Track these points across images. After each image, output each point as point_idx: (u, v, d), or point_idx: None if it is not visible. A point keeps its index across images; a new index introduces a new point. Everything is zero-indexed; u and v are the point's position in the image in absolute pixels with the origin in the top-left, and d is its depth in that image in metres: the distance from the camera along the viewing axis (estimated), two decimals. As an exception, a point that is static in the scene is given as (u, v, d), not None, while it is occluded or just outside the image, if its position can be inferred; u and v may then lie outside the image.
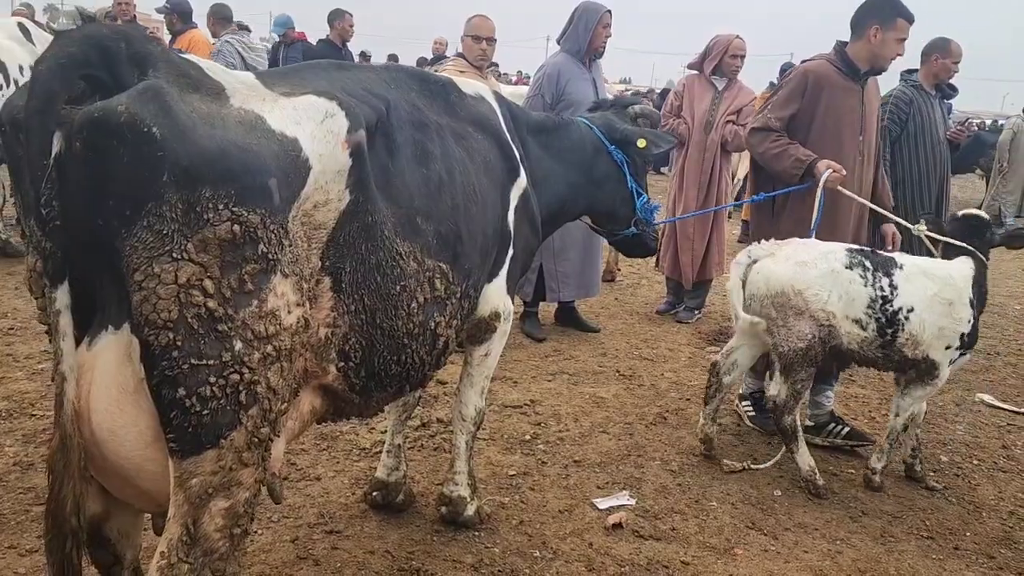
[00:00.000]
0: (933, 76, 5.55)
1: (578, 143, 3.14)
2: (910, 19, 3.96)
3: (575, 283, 5.60)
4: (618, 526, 3.15)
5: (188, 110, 1.51)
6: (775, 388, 3.56)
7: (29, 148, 1.43)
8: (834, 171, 3.76)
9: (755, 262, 3.63)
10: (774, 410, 3.59)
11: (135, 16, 9.10)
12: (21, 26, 6.24)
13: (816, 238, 3.76)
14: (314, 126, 1.76)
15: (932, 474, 3.84)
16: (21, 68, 5.97)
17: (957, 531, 3.34)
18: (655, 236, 3.45)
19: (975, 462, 4.04)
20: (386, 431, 3.21)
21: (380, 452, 3.26)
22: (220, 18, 7.59)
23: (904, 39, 3.99)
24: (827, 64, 4.04)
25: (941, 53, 5.50)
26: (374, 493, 3.13)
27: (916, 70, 5.70)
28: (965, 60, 5.59)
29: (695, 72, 6.10)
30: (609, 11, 5.38)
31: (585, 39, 5.34)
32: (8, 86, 5.85)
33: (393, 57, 16.28)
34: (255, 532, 2.85)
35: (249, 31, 8.33)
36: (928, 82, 5.57)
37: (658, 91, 17.56)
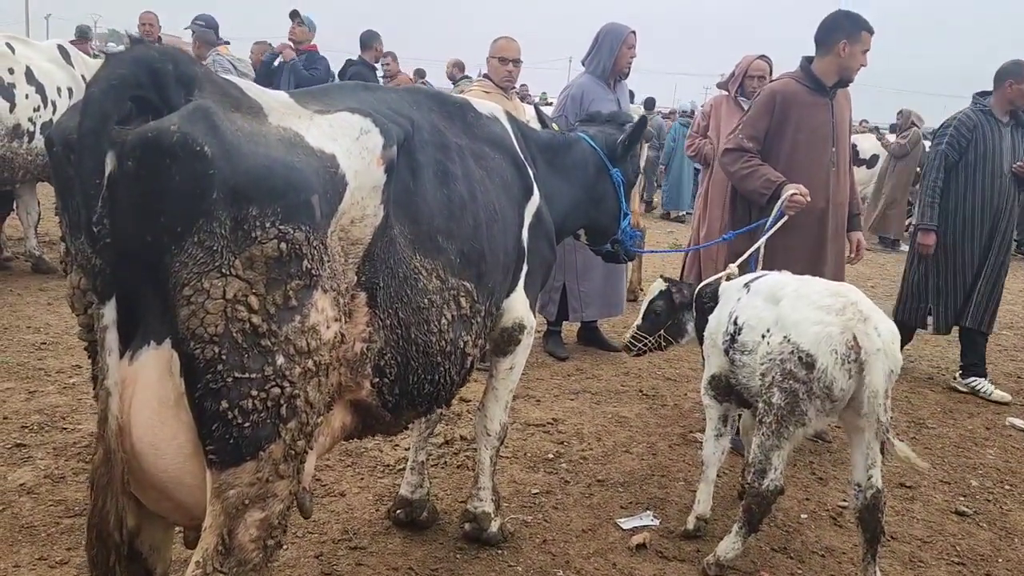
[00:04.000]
0: (1008, 102, 5.27)
1: (581, 162, 3.22)
2: (872, 31, 4.12)
3: (599, 303, 5.62)
4: (642, 546, 3.13)
5: (234, 129, 1.55)
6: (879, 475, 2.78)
7: (81, 168, 1.47)
8: (799, 194, 3.81)
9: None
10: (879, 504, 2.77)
11: (160, 37, 9.32)
12: (60, 48, 6.41)
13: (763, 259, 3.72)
14: (350, 142, 1.81)
15: (962, 499, 3.79)
16: (59, 90, 6.13)
17: (989, 557, 3.29)
18: (627, 252, 3.56)
19: (1006, 487, 3.97)
20: (409, 448, 3.23)
21: (404, 469, 3.28)
22: (205, 42, 8.08)
23: (868, 50, 4.14)
24: (793, 82, 4.22)
25: (1016, 79, 5.18)
26: (398, 511, 3.14)
27: (989, 93, 5.37)
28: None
29: (724, 93, 6.13)
30: (633, 32, 5.44)
31: (610, 60, 5.39)
32: (46, 107, 6.01)
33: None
34: (281, 547, 2.88)
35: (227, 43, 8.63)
36: (1001, 108, 5.29)
37: (680, 112, 17.57)
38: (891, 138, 13.24)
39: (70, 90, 6.18)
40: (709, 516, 3.26)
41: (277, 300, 1.59)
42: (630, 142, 3.31)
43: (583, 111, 5.21)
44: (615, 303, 5.76)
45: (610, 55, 5.40)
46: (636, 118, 3.46)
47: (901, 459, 2.69)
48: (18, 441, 3.57)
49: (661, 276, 3.65)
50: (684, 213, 13.83)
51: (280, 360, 1.61)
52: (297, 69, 7.85)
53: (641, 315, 3.59)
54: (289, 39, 8.26)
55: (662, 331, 3.53)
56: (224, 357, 1.55)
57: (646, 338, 3.54)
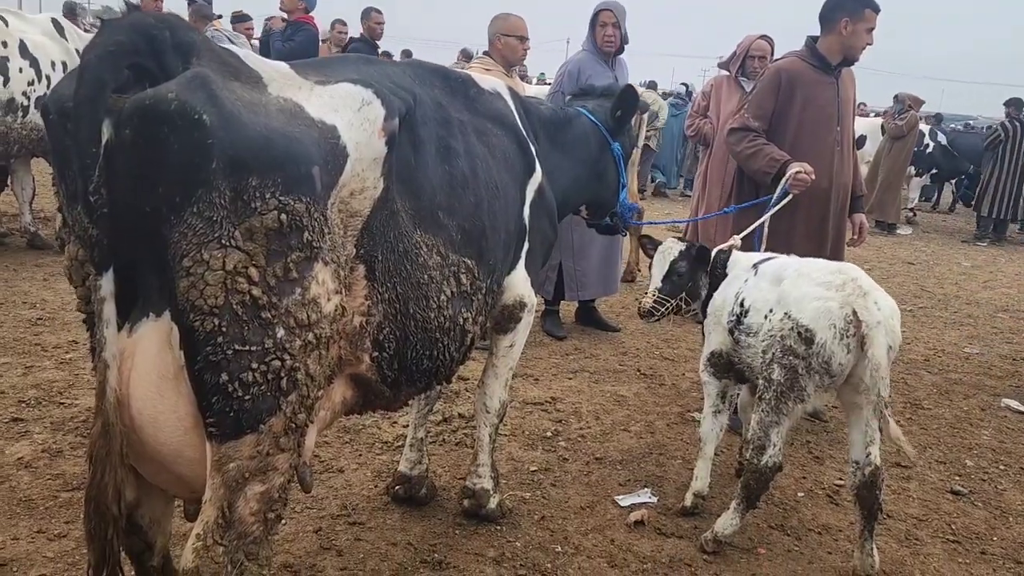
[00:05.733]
0: None
1: (583, 138, 3.18)
2: (877, 9, 4.03)
3: (594, 281, 5.60)
4: (640, 523, 3.15)
5: (233, 98, 1.53)
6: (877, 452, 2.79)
7: (78, 136, 1.44)
8: (804, 172, 3.78)
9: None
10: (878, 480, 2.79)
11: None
12: (55, 22, 6.32)
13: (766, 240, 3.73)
14: (351, 114, 1.78)
15: (958, 478, 3.81)
16: (53, 64, 6.05)
17: (984, 535, 3.31)
18: (624, 224, 3.57)
19: (1001, 467, 3.99)
20: (408, 425, 3.23)
21: (402, 446, 3.28)
22: (201, 16, 7.98)
23: (873, 28, 4.06)
24: (799, 61, 4.16)
25: None
26: (397, 487, 3.15)
27: None
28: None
29: (724, 73, 6.09)
30: (608, 10, 5.32)
31: (592, 39, 5.39)
32: (40, 81, 5.93)
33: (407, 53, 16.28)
34: (280, 522, 2.88)
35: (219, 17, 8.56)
36: None
37: (677, 94, 17.47)
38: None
39: (64, 64, 6.10)
40: (707, 493, 3.27)
41: (277, 272, 1.58)
42: (623, 113, 3.26)
43: (579, 87, 5.17)
44: (611, 282, 5.74)
45: (591, 34, 5.41)
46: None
47: (892, 439, 2.69)
48: (15, 415, 3.56)
49: (675, 236, 3.51)
50: (671, 188, 14.05)
51: (280, 332, 1.60)
52: (273, 39, 7.68)
53: (662, 277, 3.36)
54: (280, 9, 8.08)
55: (683, 293, 3.37)
56: (224, 329, 1.54)
57: (668, 301, 3.31)
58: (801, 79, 4.08)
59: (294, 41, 7.52)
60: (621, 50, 5.47)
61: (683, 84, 17.52)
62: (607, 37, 5.34)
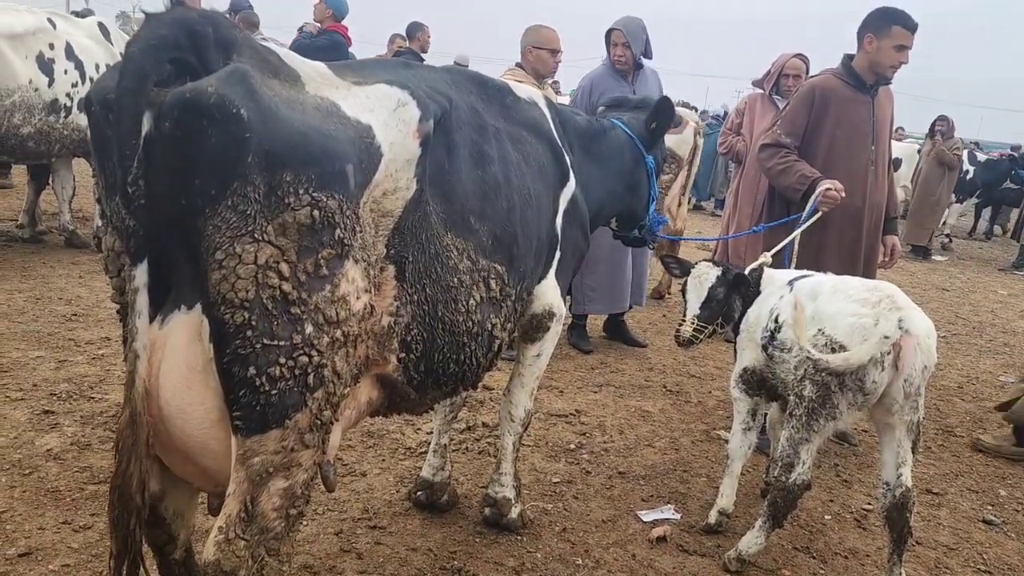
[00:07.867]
0: None
1: (617, 150, 3.17)
2: (908, 26, 3.91)
3: (603, 297, 5.50)
4: (662, 539, 3.10)
5: (271, 94, 1.55)
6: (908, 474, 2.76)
7: (119, 128, 1.46)
8: (834, 190, 3.72)
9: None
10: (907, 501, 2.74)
11: None
12: (101, 25, 6.49)
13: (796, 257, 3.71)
14: (387, 114, 1.80)
15: (990, 508, 3.71)
16: (98, 67, 6.19)
17: (1017, 567, 3.21)
18: (652, 237, 3.55)
19: (1036, 498, 3.88)
20: (432, 432, 3.22)
21: (425, 452, 3.28)
22: (249, 24, 8.25)
23: (904, 46, 3.94)
24: (834, 78, 4.11)
25: None
26: (419, 492, 3.14)
27: None
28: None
29: (759, 91, 6.06)
30: (617, 30, 5.40)
31: (607, 56, 5.48)
32: (84, 83, 6.07)
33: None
34: (301, 523, 2.88)
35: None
36: None
37: (712, 114, 17.45)
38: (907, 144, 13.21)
39: (108, 67, 6.24)
40: (731, 511, 3.22)
41: (308, 268, 1.58)
42: (659, 125, 3.24)
43: (594, 102, 5.15)
44: (620, 297, 5.58)
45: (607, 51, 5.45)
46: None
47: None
48: (46, 408, 3.62)
49: (709, 260, 3.43)
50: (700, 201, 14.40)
51: (309, 329, 1.60)
52: (298, 40, 7.96)
53: (700, 303, 3.30)
54: (314, 19, 8.34)
55: (720, 317, 3.34)
56: (253, 323, 1.54)
57: (706, 328, 3.28)
58: (835, 96, 4.03)
59: (307, 42, 7.75)
60: (639, 66, 5.48)
61: (723, 107, 17.65)
62: (617, 56, 5.42)
